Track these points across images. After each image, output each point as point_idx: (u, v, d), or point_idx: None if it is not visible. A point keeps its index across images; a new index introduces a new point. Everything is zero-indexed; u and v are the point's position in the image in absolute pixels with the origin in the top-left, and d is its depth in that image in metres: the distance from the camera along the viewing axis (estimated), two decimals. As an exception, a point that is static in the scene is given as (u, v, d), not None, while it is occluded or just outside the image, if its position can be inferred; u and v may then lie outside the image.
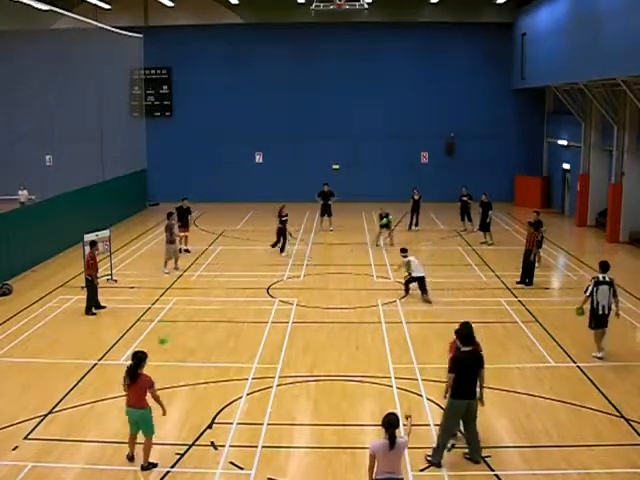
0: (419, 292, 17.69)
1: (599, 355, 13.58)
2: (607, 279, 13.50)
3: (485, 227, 24.47)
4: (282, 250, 23.14)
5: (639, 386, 12.24)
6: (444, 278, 19.90)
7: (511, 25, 33.83)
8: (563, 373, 12.85)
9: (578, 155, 28.83)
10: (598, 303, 13.38)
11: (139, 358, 9.48)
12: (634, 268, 21.78)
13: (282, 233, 23.13)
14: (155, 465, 9.49)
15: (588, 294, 13.50)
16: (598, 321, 13.48)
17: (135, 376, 9.38)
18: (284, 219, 23.04)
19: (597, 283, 13.45)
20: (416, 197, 27.17)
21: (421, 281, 17.63)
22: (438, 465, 9.40)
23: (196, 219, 29.88)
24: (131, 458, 9.64)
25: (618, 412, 11.06)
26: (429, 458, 9.49)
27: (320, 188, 27.18)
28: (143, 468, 9.44)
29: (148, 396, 9.49)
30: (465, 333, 9.62)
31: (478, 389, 9.63)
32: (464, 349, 9.55)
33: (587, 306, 13.65)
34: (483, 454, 9.69)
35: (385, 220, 24.19)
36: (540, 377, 12.60)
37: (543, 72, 28.87)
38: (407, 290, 18.04)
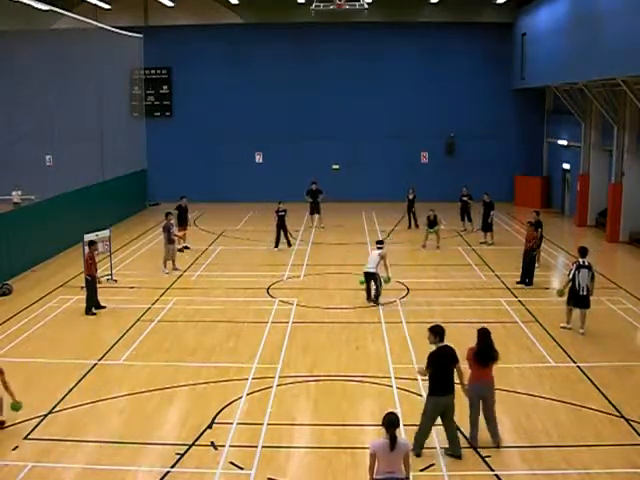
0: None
1: (568, 326, 15.09)
2: (587, 263, 14.88)
3: (487, 227, 24.41)
4: (277, 246, 23.92)
5: (639, 386, 12.24)
6: (444, 278, 19.91)
7: (511, 25, 33.82)
8: (563, 373, 12.85)
9: (578, 155, 28.82)
10: (579, 285, 14.73)
11: None
12: (634, 268, 21.80)
13: (278, 228, 23.90)
14: None
15: (571, 277, 14.85)
16: (577, 300, 14.84)
17: None
18: (281, 214, 23.85)
19: (579, 267, 14.81)
20: (410, 197, 27.21)
21: (370, 278, 17.09)
22: (417, 455, 9.57)
23: (196, 219, 29.88)
24: None
25: (618, 412, 11.05)
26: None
27: (309, 187, 27.67)
28: None
29: None
30: (441, 330, 9.74)
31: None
32: (439, 345, 9.68)
33: (566, 289, 15.08)
34: (483, 454, 9.71)
35: (433, 229, 23.99)
36: (540, 377, 12.59)
37: (543, 72, 28.87)
38: (369, 296, 17.41)
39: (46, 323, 16.01)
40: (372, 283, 17.31)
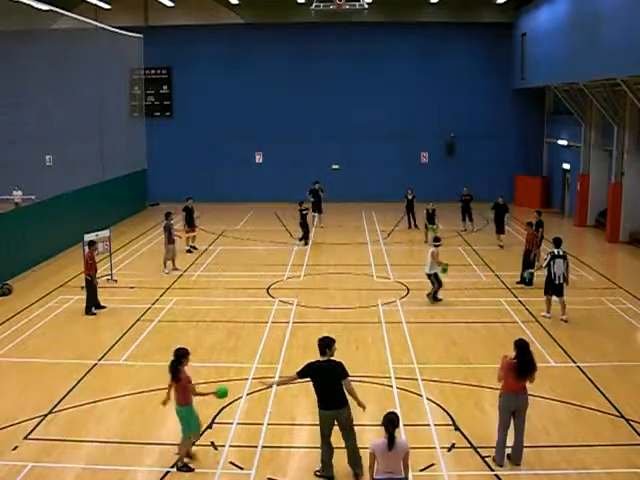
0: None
1: (548, 315, 15.88)
2: (561, 253, 15.63)
3: (502, 229, 23.97)
4: (302, 240, 24.69)
5: (639, 386, 12.24)
6: (444, 278, 19.85)
7: (511, 25, 33.83)
8: (563, 373, 12.85)
9: (578, 155, 28.82)
10: (555, 274, 15.51)
11: (179, 355, 9.57)
12: (634, 268, 21.79)
13: (303, 226, 24.70)
14: (188, 468, 9.40)
15: (544, 265, 15.80)
16: (554, 289, 15.67)
17: (176, 372, 9.42)
18: (304, 213, 24.57)
19: (553, 257, 15.55)
20: (409, 197, 27.25)
21: (433, 277, 17.35)
22: (330, 478, 9.21)
23: (196, 219, 29.85)
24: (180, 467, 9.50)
25: (618, 412, 11.05)
26: (318, 473, 9.27)
27: (311, 186, 27.84)
28: (176, 467, 9.43)
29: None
30: (322, 344, 9.18)
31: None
32: (319, 359, 9.16)
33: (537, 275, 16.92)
34: (483, 454, 9.70)
35: (433, 226, 24.36)
36: (540, 377, 12.50)
37: (543, 72, 28.87)
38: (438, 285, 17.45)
39: (46, 323, 16.01)
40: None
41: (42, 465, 9.52)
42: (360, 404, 9.24)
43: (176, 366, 9.44)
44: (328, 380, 9.10)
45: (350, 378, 9.25)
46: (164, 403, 9.68)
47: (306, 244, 24.51)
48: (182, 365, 9.49)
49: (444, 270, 17.26)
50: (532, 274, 17.92)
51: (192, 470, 9.39)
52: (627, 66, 19.92)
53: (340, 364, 9.19)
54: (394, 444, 7.60)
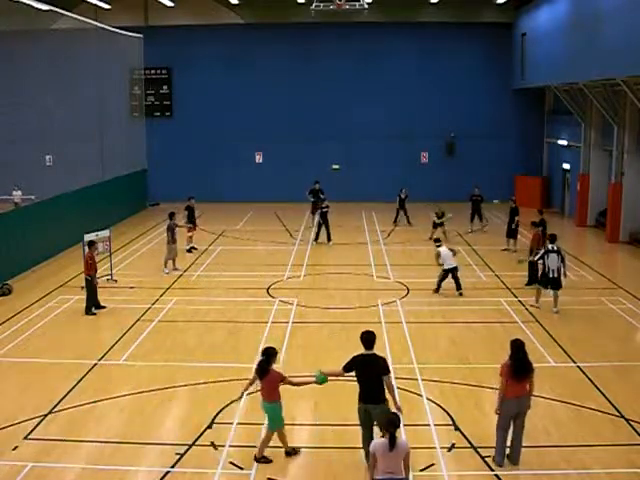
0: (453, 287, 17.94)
1: (537, 305, 16.57)
2: (556, 248, 16.20)
3: (511, 233, 23.42)
4: (316, 239, 24.95)
5: (639, 386, 12.24)
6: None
7: (511, 25, 33.83)
8: (563, 373, 12.85)
9: (578, 155, 28.82)
10: (549, 268, 16.11)
11: (268, 354, 9.68)
12: (634, 268, 21.79)
13: (320, 224, 24.89)
14: (266, 459, 9.66)
15: (537, 259, 16.68)
16: (549, 282, 16.29)
17: (265, 371, 9.58)
18: (324, 211, 24.67)
19: (547, 252, 16.21)
20: (402, 196, 27.60)
21: (453, 272, 17.86)
22: None
23: (196, 219, 29.86)
24: (288, 453, 9.80)
25: (618, 412, 11.05)
26: None
27: (311, 186, 27.80)
28: (256, 459, 9.64)
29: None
30: (366, 337, 9.27)
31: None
32: (363, 352, 9.25)
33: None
34: (483, 454, 9.69)
35: (440, 220, 24.78)
36: (540, 377, 12.52)
37: (543, 72, 28.87)
38: (438, 289, 18.15)
39: (46, 323, 16.01)
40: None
41: (42, 465, 9.53)
42: (396, 405, 9.22)
43: (265, 365, 9.62)
44: (370, 373, 9.19)
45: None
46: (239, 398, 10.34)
47: (316, 239, 24.81)
48: (270, 364, 9.65)
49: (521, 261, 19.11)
50: (523, 261, 18.91)
51: (270, 461, 9.62)
52: (627, 66, 19.92)
53: (383, 359, 9.35)
54: (395, 444, 7.60)
